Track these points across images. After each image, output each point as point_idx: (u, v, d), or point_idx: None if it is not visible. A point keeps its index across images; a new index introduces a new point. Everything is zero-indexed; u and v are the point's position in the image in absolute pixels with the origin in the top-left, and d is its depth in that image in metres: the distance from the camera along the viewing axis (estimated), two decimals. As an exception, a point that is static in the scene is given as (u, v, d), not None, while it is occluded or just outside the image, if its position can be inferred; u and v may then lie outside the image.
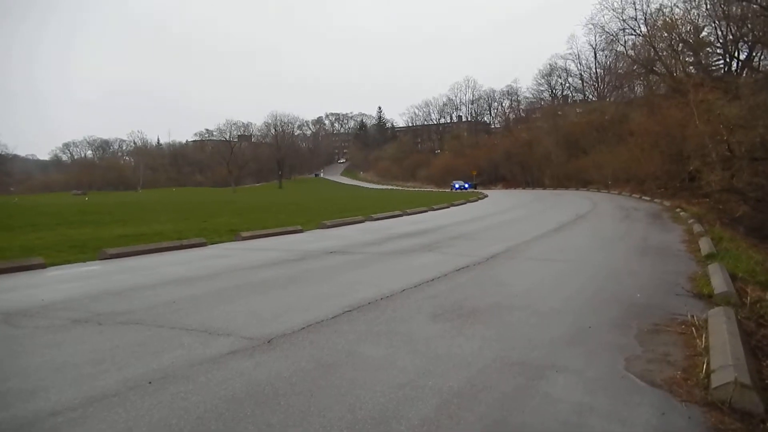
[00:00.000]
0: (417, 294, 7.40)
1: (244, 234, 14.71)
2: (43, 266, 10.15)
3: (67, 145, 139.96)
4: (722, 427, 3.65)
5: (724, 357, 4.55)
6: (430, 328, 5.78)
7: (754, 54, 36.97)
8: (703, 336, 5.36)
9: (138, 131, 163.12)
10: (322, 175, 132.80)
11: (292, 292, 7.71)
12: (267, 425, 3.53)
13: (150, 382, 4.22)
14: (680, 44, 40.83)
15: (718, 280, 7.99)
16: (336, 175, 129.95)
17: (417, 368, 4.57)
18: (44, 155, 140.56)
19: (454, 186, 70.47)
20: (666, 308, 6.70)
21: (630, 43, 54.36)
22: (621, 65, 59.96)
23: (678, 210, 23.03)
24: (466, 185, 70.81)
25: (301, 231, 16.32)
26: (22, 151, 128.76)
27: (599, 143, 57.54)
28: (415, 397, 3.98)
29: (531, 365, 4.67)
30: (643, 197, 35.01)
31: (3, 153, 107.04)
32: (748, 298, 7.42)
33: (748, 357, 4.73)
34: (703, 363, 4.63)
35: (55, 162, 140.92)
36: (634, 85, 61.52)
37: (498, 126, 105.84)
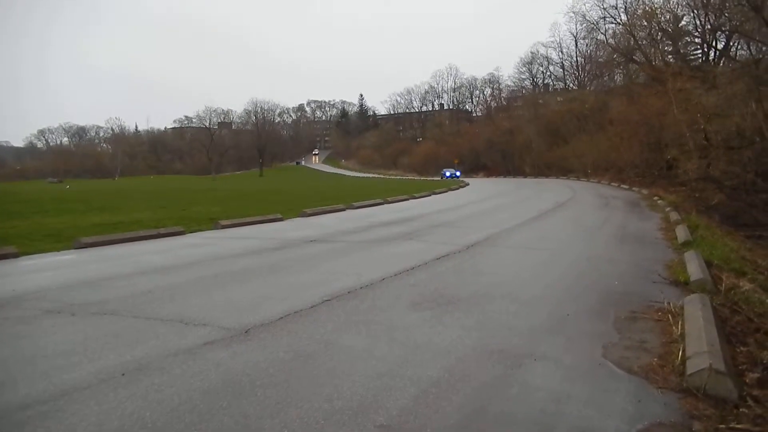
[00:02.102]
0: (397, 282, 7.37)
1: (224, 222, 14.54)
2: (16, 255, 9.92)
3: (42, 132, 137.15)
4: (696, 413, 3.68)
5: (700, 343, 4.59)
6: (410, 317, 5.76)
7: (731, 44, 37.44)
8: (679, 323, 5.42)
9: (116, 118, 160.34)
10: (303, 163, 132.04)
11: (271, 282, 7.63)
12: (243, 416, 3.48)
13: (123, 374, 4.13)
14: (659, 33, 41.19)
15: (694, 267, 8.10)
16: (318, 164, 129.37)
17: (396, 358, 4.54)
18: (19, 142, 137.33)
19: (445, 174, 68.34)
20: (643, 295, 6.76)
21: (610, 31, 54.79)
22: (601, 54, 60.36)
23: (656, 198, 23.33)
24: (457, 173, 69.41)
25: (281, 219, 16.19)
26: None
27: (580, 132, 58.03)
28: (393, 387, 3.95)
29: (510, 353, 4.68)
30: (622, 186, 35.40)
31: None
32: (723, 285, 7.53)
33: (722, 344, 4.79)
34: (679, 350, 4.68)
35: (31, 149, 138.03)
36: (614, 74, 62.03)
37: (480, 114, 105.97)
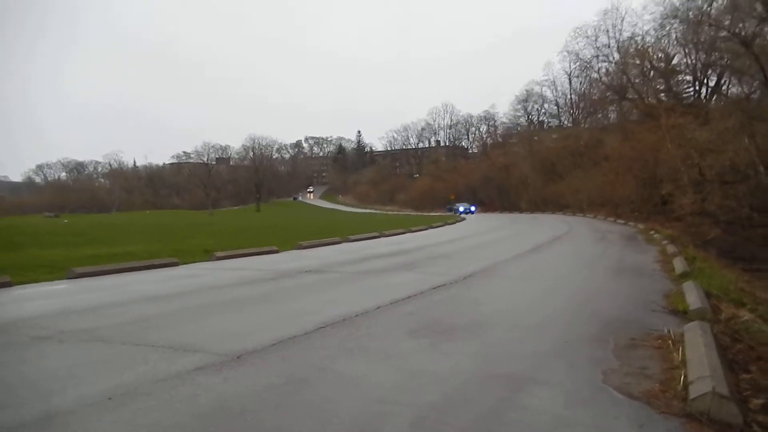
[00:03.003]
0: (393, 311, 7.27)
1: (219, 254, 14.44)
2: (9, 284, 9.79)
3: (40, 167, 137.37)
4: (701, 438, 3.58)
5: (702, 369, 4.50)
6: (406, 345, 5.65)
7: (722, 81, 38.13)
8: (680, 349, 5.33)
9: (114, 153, 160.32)
10: (300, 198, 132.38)
11: (265, 310, 7.52)
12: (233, 441, 3.36)
13: (110, 398, 4.01)
14: (651, 71, 42.01)
15: (693, 297, 8.02)
16: (312, 199, 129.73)
17: (392, 384, 4.43)
18: (17, 177, 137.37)
19: (458, 209, 64.34)
20: (642, 324, 6.67)
21: (603, 69, 55.86)
22: (595, 92, 61.31)
23: (652, 232, 23.33)
24: (472, 208, 66.23)
25: (276, 252, 16.10)
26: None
27: (575, 168, 58.46)
28: (390, 412, 3.83)
29: (510, 378, 4.57)
30: (618, 220, 35.47)
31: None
32: (723, 314, 7.45)
33: (725, 370, 4.70)
34: (681, 375, 4.58)
35: (29, 184, 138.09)
36: (608, 111, 62.90)
37: (475, 151, 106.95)
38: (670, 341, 5.73)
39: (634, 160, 36.58)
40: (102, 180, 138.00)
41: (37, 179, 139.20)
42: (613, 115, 61.50)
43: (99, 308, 7.59)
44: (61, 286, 10.03)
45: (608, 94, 52.53)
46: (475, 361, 5.08)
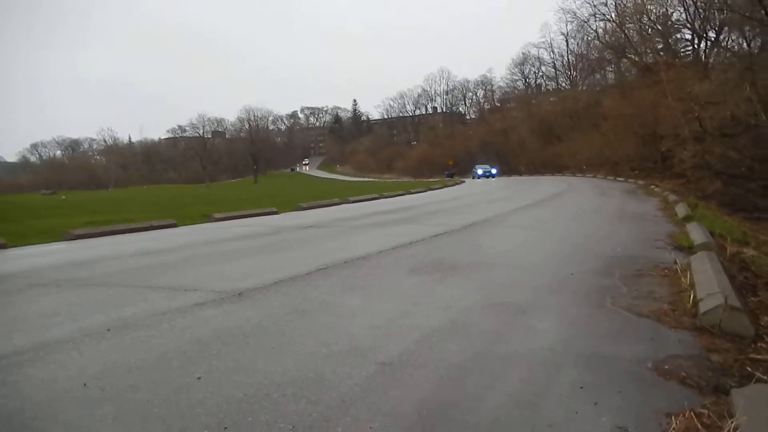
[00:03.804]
0: (395, 254, 7.17)
1: (217, 216, 14.31)
2: (4, 246, 9.69)
3: (35, 146, 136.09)
4: (713, 347, 3.50)
5: (711, 287, 4.42)
6: (409, 280, 5.56)
7: (722, 36, 37.48)
8: (688, 275, 5.24)
9: (108, 129, 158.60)
10: (298, 169, 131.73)
11: (265, 258, 7.43)
12: (234, 361, 3.28)
13: (108, 330, 3.93)
14: (650, 29, 41.28)
15: (697, 235, 7.95)
16: (312, 169, 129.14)
17: (395, 312, 4.34)
18: (12, 157, 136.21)
19: (477, 173, 57.45)
20: (647, 258, 6.58)
21: (601, 30, 54.90)
22: (593, 51, 60.44)
23: (652, 187, 23.22)
24: (493, 171, 57.84)
25: (276, 213, 15.97)
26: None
27: (573, 130, 57.98)
28: (393, 334, 3.76)
29: (514, 305, 4.48)
30: (617, 179, 35.28)
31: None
32: (728, 251, 7.37)
33: (734, 290, 4.62)
34: (690, 296, 4.50)
35: (24, 163, 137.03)
36: (606, 72, 62.16)
37: (473, 116, 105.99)
38: (677, 270, 5.64)
39: (633, 118, 36.19)
40: (98, 157, 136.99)
41: (32, 158, 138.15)
42: (611, 75, 60.82)
43: (96, 261, 7.49)
44: (58, 246, 9.92)
45: (606, 53, 51.81)
46: (478, 293, 5.00)
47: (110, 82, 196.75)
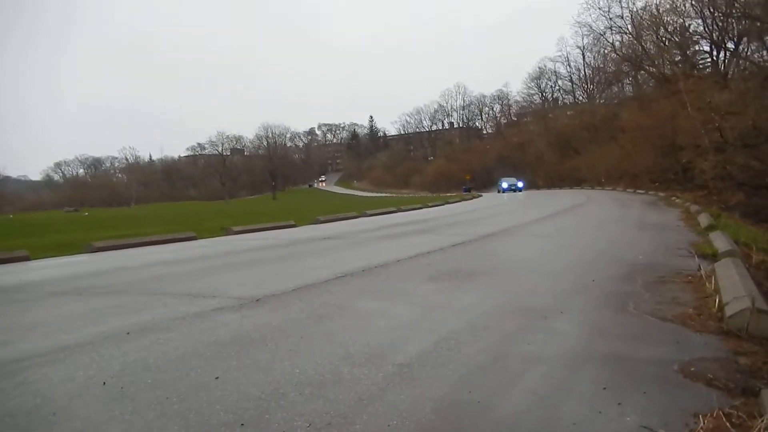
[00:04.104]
0: (412, 262, 7.14)
1: (236, 228, 14.40)
2: (26, 258, 9.84)
3: (58, 165, 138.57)
4: (741, 350, 3.40)
5: (737, 291, 4.31)
6: (427, 287, 5.52)
7: (741, 47, 37.10)
8: (713, 280, 5.13)
9: (130, 147, 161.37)
10: (316, 185, 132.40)
11: (283, 267, 7.45)
12: (253, 361, 3.27)
13: (128, 333, 3.95)
14: (667, 40, 41.01)
15: (722, 243, 7.79)
16: (330, 185, 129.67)
17: (413, 316, 4.31)
18: (36, 176, 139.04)
19: (501, 186, 53.04)
20: (670, 266, 6.45)
21: (617, 42, 54.67)
22: (610, 64, 60.16)
23: (673, 198, 22.90)
24: (519, 185, 53.34)
25: (294, 226, 16.03)
26: (13, 172, 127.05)
27: (590, 142, 57.55)
28: (411, 337, 3.72)
29: (533, 309, 4.42)
30: (637, 191, 34.87)
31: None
32: (753, 259, 7.22)
33: (761, 294, 4.50)
34: (715, 301, 4.40)
35: (48, 182, 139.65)
36: (624, 84, 61.78)
37: (490, 131, 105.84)
38: (701, 276, 5.53)
39: (652, 130, 35.83)
40: (119, 175, 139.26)
41: (56, 177, 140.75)
42: (628, 88, 60.42)
43: (116, 271, 7.58)
44: (79, 258, 10.05)
45: (623, 65, 51.50)
46: (497, 298, 4.93)
47: (132, 102, 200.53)
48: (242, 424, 2.39)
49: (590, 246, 8.68)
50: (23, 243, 15.42)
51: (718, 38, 37.12)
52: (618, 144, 46.42)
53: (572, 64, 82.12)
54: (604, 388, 2.78)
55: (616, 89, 65.67)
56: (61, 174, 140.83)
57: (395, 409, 2.55)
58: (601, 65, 68.38)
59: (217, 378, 2.96)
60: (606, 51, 59.72)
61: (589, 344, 3.47)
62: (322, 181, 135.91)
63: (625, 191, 36.65)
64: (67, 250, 11.80)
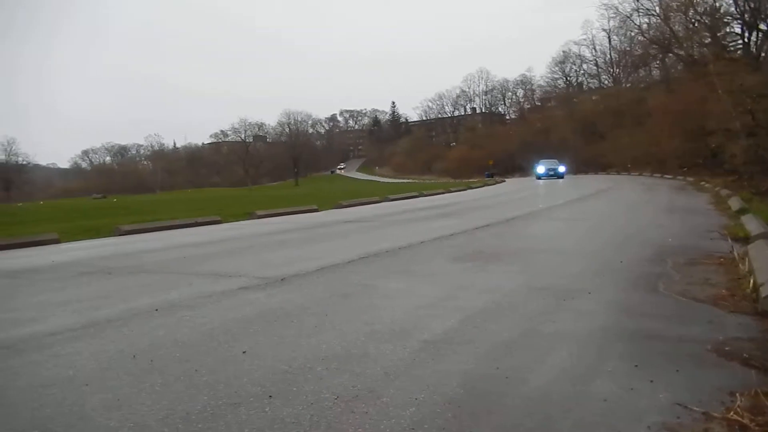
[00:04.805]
0: (436, 244, 7.11)
1: (260, 213, 14.51)
2: (57, 241, 10.05)
3: (86, 152, 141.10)
4: (777, 330, 3.31)
5: (772, 272, 4.19)
6: (451, 267, 5.49)
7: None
8: (746, 262, 5.00)
9: (155, 135, 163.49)
10: (338, 171, 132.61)
11: (306, 248, 7.47)
12: (279, 337, 3.29)
13: (156, 310, 4.00)
14: (696, 22, 39.89)
15: (754, 225, 7.58)
16: (352, 171, 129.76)
17: (438, 295, 4.28)
18: (64, 163, 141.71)
19: (537, 171, 41.95)
20: (700, 248, 6.31)
21: (645, 25, 53.36)
22: (637, 47, 58.80)
23: (702, 183, 22.41)
24: (561, 170, 41.14)
25: (316, 210, 16.09)
26: (43, 160, 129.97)
27: (616, 127, 56.49)
28: (436, 315, 3.70)
29: (560, 290, 4.35)
30: (665, 176, 34.23)
31: (24, 162, 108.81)
32: (787, 242, 7.01)
33: (797, 275, 4.37)
34: (749, 282, 4.28)
35: (75, 169, 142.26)
36: (651, 68, 60.37)
37: (513, 116, 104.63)
38: (733, 258, 5.40)
39: (680, 114, 34.99)
40: (145, 162, 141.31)
41: (83, 164, 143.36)
42: (655, 71, 59.01)
43: (144, 252, 7.69)
44: (107, 240, 10.23)
45: (651, 48, 50.30)
46: (523, 277, 4.89)
47: (157, 89, 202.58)
48: (270, 396, 2.40)
49: (618, 229, 8.53)
50: (53, 227, 15.73)
51: (750, 19, 35.99)
52: (645, 129, 45.48)
53: (597, 47, 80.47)
54: (636, 366, 2.73)
55: (643, 73, 64.17)
56: (88, 161, 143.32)
57: (422, 383, 2.54)
58: (628, 48, 66.82)
59: (244, 352, 2.98)
60: (633, 34, 58.30)
61: (618, 323, 3.41)
62: (341, 168, 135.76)
63: (651, 176, 36.03)
64: (95, 233, 12.01)
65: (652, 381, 2.54)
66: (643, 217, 10.12)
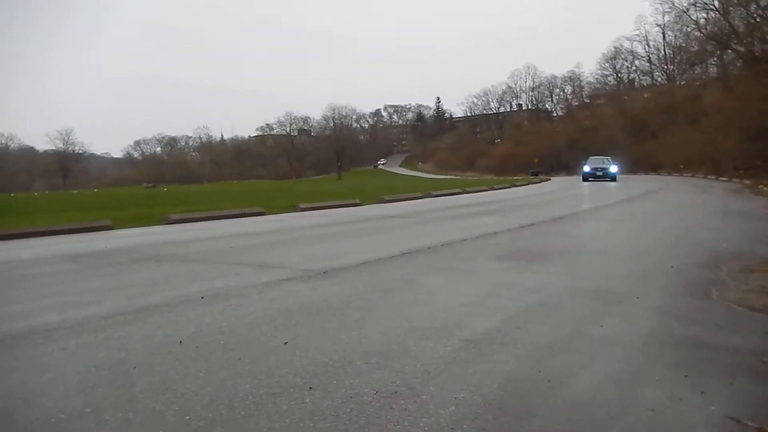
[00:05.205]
0: (479, 242, 7.04)
1: (303, 206, 14.68)
2: (110, 228, 10.42)
3: (138, 143, 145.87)
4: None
5: (837, 281, 3.97)
6: (494, 265, 5.42)
7: None
8: (807, 270, 4.76)
9: (203, 127, 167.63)
10: (381, 166, 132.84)
11: (349, 242, 7.52)
12: (321, 329, 3.32)
13: (202, 297, 4.10)
14: (758, 17, 38.09)
15: (817, 232, 7.22)
16: (395, 166, 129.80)
17: (480, 293, 4.24)
18: (118, 153, 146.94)
19: (585, 171, 34.44)
20: (758, 255, 6.05)
21: (702, 19, 51.32)
22: (692, 43, 56.63)
23: (761, 186, 21.43)
24: (613, 170, 33.32)
25: (359, 204, 16.17)
26: (98, 150, 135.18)
27: (669, 126, 54.67)
28: (478, 314, 3.66)
29: (607, 292, 4.25)
30: (720, 178, 32.91)
31: (80, 152, 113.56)
32: None
33: None
34: (811, 292, 4.08)
35: (128, 159, 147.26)
36: (707, 65, 58.08)
37: (560, 113, 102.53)
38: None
39: (738, 113, 33.56)
40: (193, 153, 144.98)
41: (135, 154, 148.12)
42: (712, 68, 56.75)
43: (191, 241, 7.90)
44: (157, 228, 10.55)
45: (708, 44, 48.35)
46: (569, 279, 4.78)
47: (204, 82, 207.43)
48: (311, 388, 2.42)
49: (668, 231, 8.25)
50: (106, 215, 16.34)
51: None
52: (699, 128, 43.86)
53: (651, 43, 77.89)
54: (686, 376, 2.63)
55: (699, 70, 61.85)
56: (140, 152, 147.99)
57: (462, 382, 2.51)
58: (683, 44, 64.51)
59: (286, 343, 3.02)
60: (689, 29, 56.21)
61: (667, 330, 3.29)
62: (382, 163, 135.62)
63: (705, 178, 34.69)
64: (146, 221, 12.41)
65: (702, 392, 2.45)
66: (696, 220, 9.75)
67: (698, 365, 2.78)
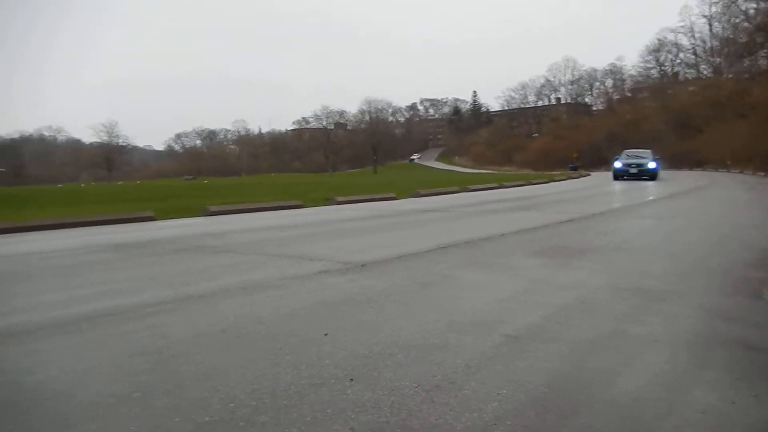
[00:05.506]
0: (517, 237, 6.96)
1: (339, 199, 14.78)
2: (153, 219, 10.70)
3: (179, 136, 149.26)
4: None
5: None
6: (532, 261, 5.35)
7: None
8: None
9: (241, 120, 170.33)
10: (416, 160, 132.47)
11: (385, 236, 7.55)
12: (359, 322, 3.33)
13: (243, 288, 4.17)
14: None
15: None
16: (430, 161, 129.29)
17: (519, 289, 4.19)
18: (160, 146, 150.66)
19: (616, 167, 29.20)
20: (811, 254, 5.80)
21: (752, 10, 49.37)
22: (741, 35, 54.59)
23: (813, 183, 20.58)
24: (651, 166, 27.83)
25: (395, 198, 16.18)
26: (140, 143, 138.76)
27: (715, 121, 52.88)
28: (518, 309, 3.62)
29: (649, 290, 4.14)
30: (769, 175, 31.70)
31: (124, 144, 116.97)
32: None
33: None
34: None
35: (169, 151, 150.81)
36: (757, 57, 55.90)
37: (600, 107, 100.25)
38: None
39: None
40: (232, 146, 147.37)
41: (176, 147, 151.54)
42: (762, 61, 54.62)
43: (230, 233, 8.04)
44: (197, 219, 10.77)
45: (757, 35, 46.55)
46: (609, 276, 4.67)
47: (244, 77, 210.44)
48: (351, 379, 2.44)
49: (714, 229, 8.00)
50: (149, 206, 16.76)
51: None
52: (747, 122, 42.32)
53: (696, 35, 75.56)
54: (737, 378, 2.54)
55: (748, 62, 59.58)
56: (180, 144, 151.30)
57: (504, 378, 2.49)
58: (731, 36, 62.24)
59: (326, 335, 3.05)
60: (737, 20, 54.29)
61: (715, 330, 3.19)
62: (417, 158, 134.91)
63: (754, 174, 33.47)
64: (186, 212, 12.68)
65: (756, 396, 2.36)
66: (744, 219, 9.42)
67: (750, 368, 2.68)
